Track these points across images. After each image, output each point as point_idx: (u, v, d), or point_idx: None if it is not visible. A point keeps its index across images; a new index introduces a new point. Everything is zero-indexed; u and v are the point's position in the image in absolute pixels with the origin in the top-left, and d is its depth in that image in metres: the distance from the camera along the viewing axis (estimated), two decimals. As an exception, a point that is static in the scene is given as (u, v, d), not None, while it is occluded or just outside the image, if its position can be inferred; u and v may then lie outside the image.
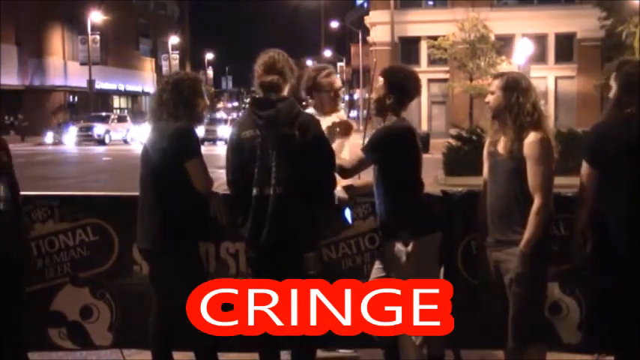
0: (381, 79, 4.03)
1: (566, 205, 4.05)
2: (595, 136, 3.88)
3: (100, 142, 36.93)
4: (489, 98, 3.91)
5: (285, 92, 3.94)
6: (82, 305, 4.56)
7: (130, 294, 4.50)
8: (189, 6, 71.50)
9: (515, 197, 3.77)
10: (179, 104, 3.97)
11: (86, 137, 37.06)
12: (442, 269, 4.37)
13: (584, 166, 3.85)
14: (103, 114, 41.61)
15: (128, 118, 42.09)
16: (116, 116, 41.94)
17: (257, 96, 3.93)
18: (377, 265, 4.13)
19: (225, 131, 40.73)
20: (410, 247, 3.89)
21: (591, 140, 3.89)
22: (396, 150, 3.92)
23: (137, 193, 4.05)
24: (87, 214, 4.53)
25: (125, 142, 38.66)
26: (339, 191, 4.19)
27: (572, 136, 15.84)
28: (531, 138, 3.75)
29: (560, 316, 4.38)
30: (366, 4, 52.06)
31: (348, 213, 4.28)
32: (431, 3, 40.48)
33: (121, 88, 53.59)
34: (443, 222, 4.23)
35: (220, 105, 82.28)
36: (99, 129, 37.89)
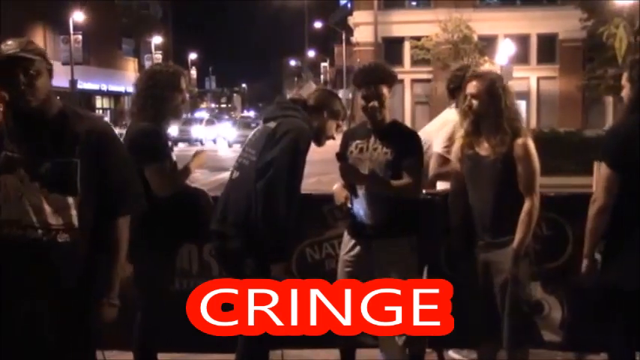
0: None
1: (548, 205, 4.07)
2: (617, 140, 3.60)
3: None
4: (472, 102, 3.83)
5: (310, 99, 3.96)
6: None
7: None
8: (172, 6, 71.23)
9: (505, 199, 3.77)
10: (150, 96, 3.88)
11: None
12: (426, 269, 4.39)
13: (605, 170, 3.55)
14: None
15: (106, 118, 41.20)
16: None
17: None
18: (347, 259, 4.07)
19: (199, 132, 40.10)
20: (414, 244, 3.97)
21: (613, 143, 3.62)
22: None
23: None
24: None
25: None
26: (337, 187, 4.17)
27: (555, 136, 15.99)
28: (522, 140, 3.77)
29: (542, 314, 4.41)
30: (349, 5, 52.06)
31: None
32: (414, 3, 40.54)
33: (104, 88, 53.22)
34: (427, 221, 4.26)
35: (204, 105, 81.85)
36: None
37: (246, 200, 3.64)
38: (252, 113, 74.59)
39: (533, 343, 4.13)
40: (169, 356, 4.33)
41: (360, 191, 3.95)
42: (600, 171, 3.58)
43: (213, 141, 38.90)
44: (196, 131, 39.29)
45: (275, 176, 3.57)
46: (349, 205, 4.03)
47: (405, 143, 3.95)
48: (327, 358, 4.52)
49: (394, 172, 3.91)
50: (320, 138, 3.94)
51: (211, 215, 3.86)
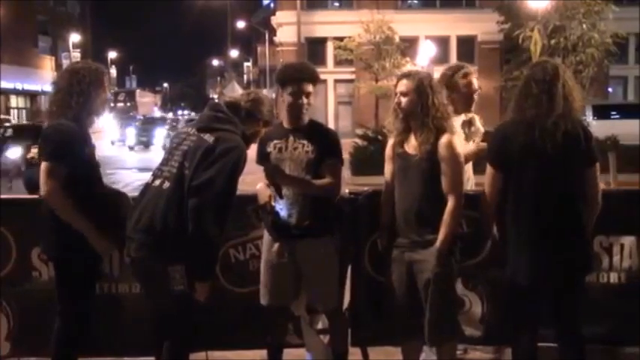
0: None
1: (468, 203, 4.14)
2: (497, 138, 3.81)
3: None
4: (401, 99, 3.86)
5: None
6: (-24, 314, 4.37)
7: (29, 301, 4.34)
8: (90, 3, 69.51)
9: (431, 197, 3.82)
10: (75, 94, 3.80)
11: None
12: (350, 268, 4.42)
13: (488, 168, 3.78)
14: None
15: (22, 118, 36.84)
16: None
17: None
18: (271, 260, 4.05)
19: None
20: (337, 243, 4.03)
21: (493, 143, 3.83)
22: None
23: (35, 197, 3.92)
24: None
25: None
26: (261, 187, 4.13)
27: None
28: (446, 139, 3.80)
29: (463, 310, 4.49)
30: (272, 5, 51.99)
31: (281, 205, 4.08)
32: (337, 4, 40.81)
33: (19, 87, 51.49)
34: (350, 221, 4.30)
35: (122, 105, 79.21)
36: None
37: (176, 216, 3.49)
38: (170, 115, 70.39)
39: (456, 338, 4.20)
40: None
41: (284, 191, 3.95)
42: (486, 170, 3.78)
43: None
44: None
45: (210, 197, 3.44)
46: (273, 204, 4.03)
47: (326, 142, 3.98)
48: (252, 358, 4.50)
49: (315, 171, 3.92)
50: (248, 144, 3.85)
51: (130, 220, 3.69)
